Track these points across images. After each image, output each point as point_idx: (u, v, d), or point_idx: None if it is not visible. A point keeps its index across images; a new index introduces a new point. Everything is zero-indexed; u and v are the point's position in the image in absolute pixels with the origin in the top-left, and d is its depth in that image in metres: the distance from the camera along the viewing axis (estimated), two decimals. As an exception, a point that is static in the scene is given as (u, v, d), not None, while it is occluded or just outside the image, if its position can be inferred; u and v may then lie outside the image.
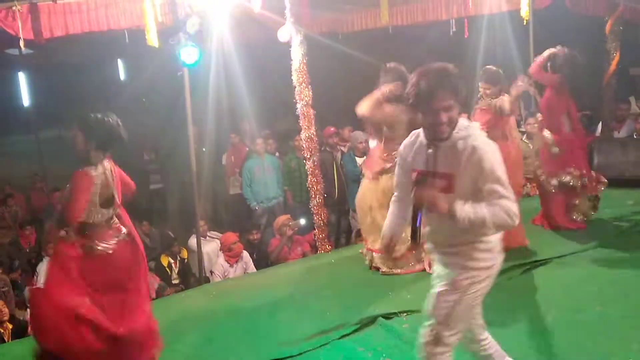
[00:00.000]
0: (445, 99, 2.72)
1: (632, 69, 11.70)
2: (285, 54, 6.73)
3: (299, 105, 6.69)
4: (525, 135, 7.97)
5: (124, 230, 4.00)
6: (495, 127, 5.80)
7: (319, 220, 6.92)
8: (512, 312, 4.59)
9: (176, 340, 4.53)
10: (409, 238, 2.86)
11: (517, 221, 2.73)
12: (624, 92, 9.70)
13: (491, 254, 2.91)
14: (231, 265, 6.98)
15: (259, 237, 7.94)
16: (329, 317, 4.78)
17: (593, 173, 6.55)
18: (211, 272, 7.03)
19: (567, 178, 6.32)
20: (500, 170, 2.73)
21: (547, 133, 6.41)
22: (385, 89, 5.39)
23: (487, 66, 6.04)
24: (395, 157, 3.78)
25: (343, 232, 8.44)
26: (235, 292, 5.80)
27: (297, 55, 6.59)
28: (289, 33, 6.61)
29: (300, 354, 4.24)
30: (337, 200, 8.18)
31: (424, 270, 5.40)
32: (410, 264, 5.52)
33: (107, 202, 3.89)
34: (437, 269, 3.06)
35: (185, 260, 7.69)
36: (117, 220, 3.99)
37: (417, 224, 2.79)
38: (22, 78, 11.93)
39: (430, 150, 2.84)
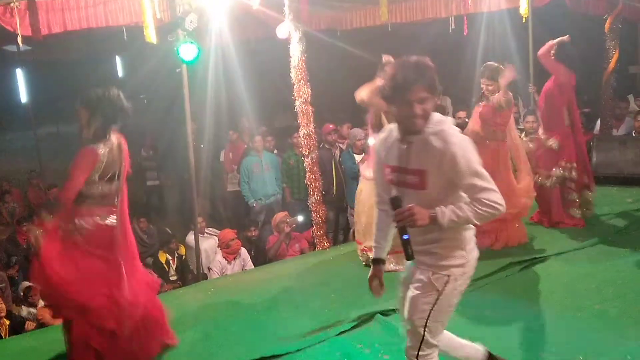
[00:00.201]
0: (421, 91, 2.70)
1: (631, 67, 11.74)
2: (284, 50, 6.71)
3: (297, 103, 6.67)
4: (523, 133, 7.97)
5: (113, 218, 3.99)
6: (492, 122, 5.83)
7: (317, 218, 6.91)
8: (511, 309, 4.60)
9: (174, 337, 4.52)
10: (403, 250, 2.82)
11: (503, 209, 2.70)
12: (623, 90, 9.70)
13: (464, 251, 2.88)
14: (229, 262, 6.97)
15: (257, 234, 7.93)
16: (326, 313, 4.78)
17: (585, 174, 6.57)
18: (209, 268, 7.03)
19: (560, 172, 6.38)
20: (476, 163, 2.69)
21: (541, 132, 6.47)
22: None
23: (488, 62, 6.04)
24: None
25: (341, 229, 8.44)
26: (233, 289, 5.79)
27: (296, 52, 6.57)
28: (288, 30, 6.60)
29: (298, 350, 4.24)
30: (336, 197, 8.18)
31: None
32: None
33: (108, 178, 3.91)
34: (410, 269, 3.05)
35: (183, 256, 7.68)
36: (114, 202, 4.00)
37: (405, 237, 2.75)
38: (19, 74, 11.93)
39: (404, 146, 2.82)
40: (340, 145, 8.58)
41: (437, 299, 2.85)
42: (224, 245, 7.04)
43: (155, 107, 12.22)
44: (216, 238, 7.46)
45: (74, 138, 4.71)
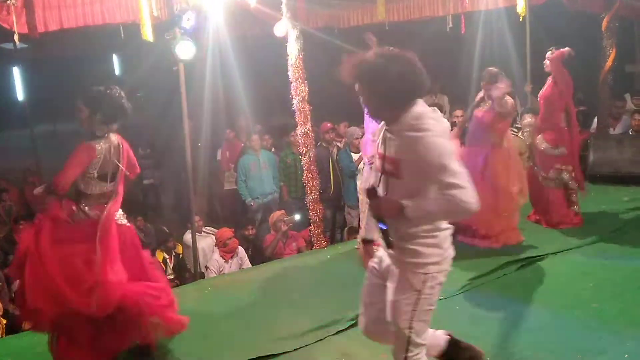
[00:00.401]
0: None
1: (628, 66, 11.72)
2: (281, 49, 6.70)
3: (295, 101, 6.67)
4: (520, 131, 7.99)
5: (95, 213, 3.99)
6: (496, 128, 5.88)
7: (315, 216, 6.90)
8: (508, 308, 4.59)
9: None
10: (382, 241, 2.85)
11: (473, 207, 2.64)
12: (620, 89, 9.71)
13: (439, 249, 2.87)
14: (226, 261, 6.97)
15: (254, 233, 7.93)
16: (324, 312, 4.77)
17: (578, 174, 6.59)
18: (206, 267, 7.02)
19: (559, 174, 6.41)
20: (446, 158, 2.64)
21: (541, 137, 6.48)
22: None
23: (489, 68, 6.07)
24: None
25: (338, 228, 8.44)
26: (230, 288, 5.78)
27: (293, 51, 6.56)
28: (285, 28, 6.58)
29: (296, 349, 4.24)
30: (333, 195, 8.19)
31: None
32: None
33: (105, 176, 3.92)
34: (382, 261, 3.07)
35: (180, 255, 7.67)
36: (109, 202, 3.99)
37: (382, 227, 2.78)
38: (16, 72, 11.91)
39: (388, 135, 2.85)
40: (338, 144, 8.58)
41: (418, 299, 2.85)
42: (221, 244, 7.03)
43: (152, 105, 12.20)
44: (213, 237, 7.46)
45: (71, 136, 4.70)
